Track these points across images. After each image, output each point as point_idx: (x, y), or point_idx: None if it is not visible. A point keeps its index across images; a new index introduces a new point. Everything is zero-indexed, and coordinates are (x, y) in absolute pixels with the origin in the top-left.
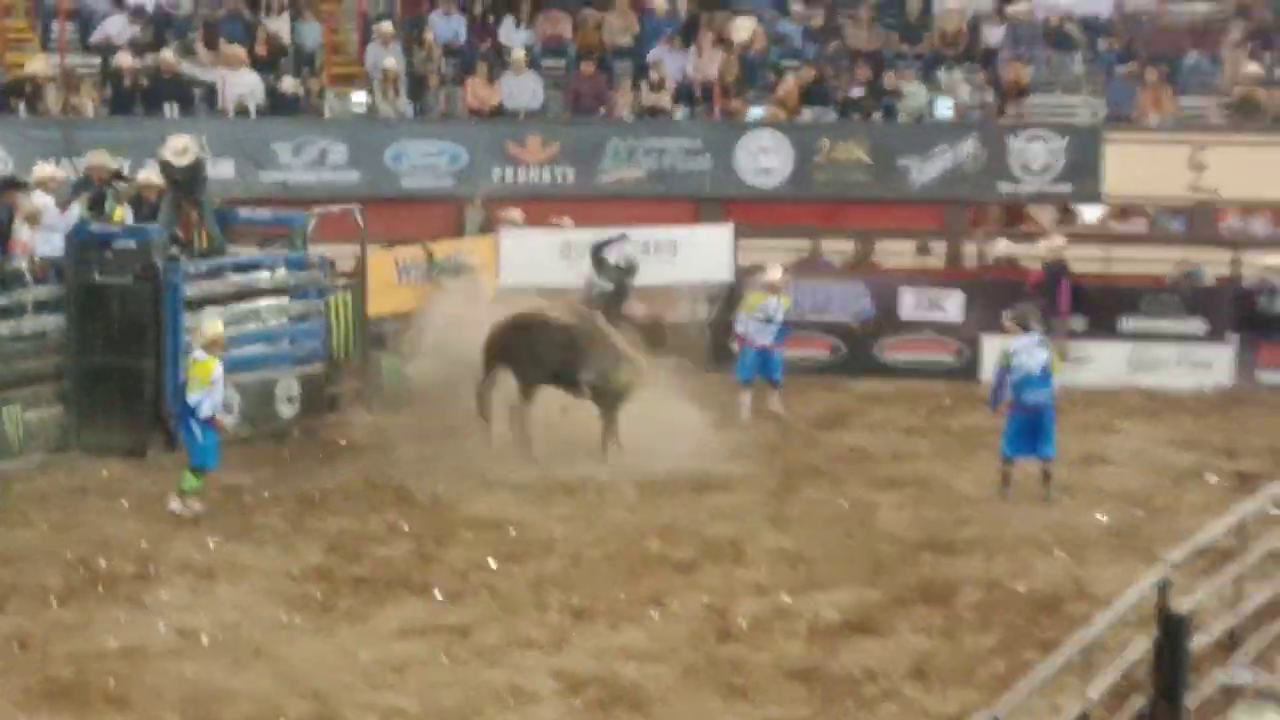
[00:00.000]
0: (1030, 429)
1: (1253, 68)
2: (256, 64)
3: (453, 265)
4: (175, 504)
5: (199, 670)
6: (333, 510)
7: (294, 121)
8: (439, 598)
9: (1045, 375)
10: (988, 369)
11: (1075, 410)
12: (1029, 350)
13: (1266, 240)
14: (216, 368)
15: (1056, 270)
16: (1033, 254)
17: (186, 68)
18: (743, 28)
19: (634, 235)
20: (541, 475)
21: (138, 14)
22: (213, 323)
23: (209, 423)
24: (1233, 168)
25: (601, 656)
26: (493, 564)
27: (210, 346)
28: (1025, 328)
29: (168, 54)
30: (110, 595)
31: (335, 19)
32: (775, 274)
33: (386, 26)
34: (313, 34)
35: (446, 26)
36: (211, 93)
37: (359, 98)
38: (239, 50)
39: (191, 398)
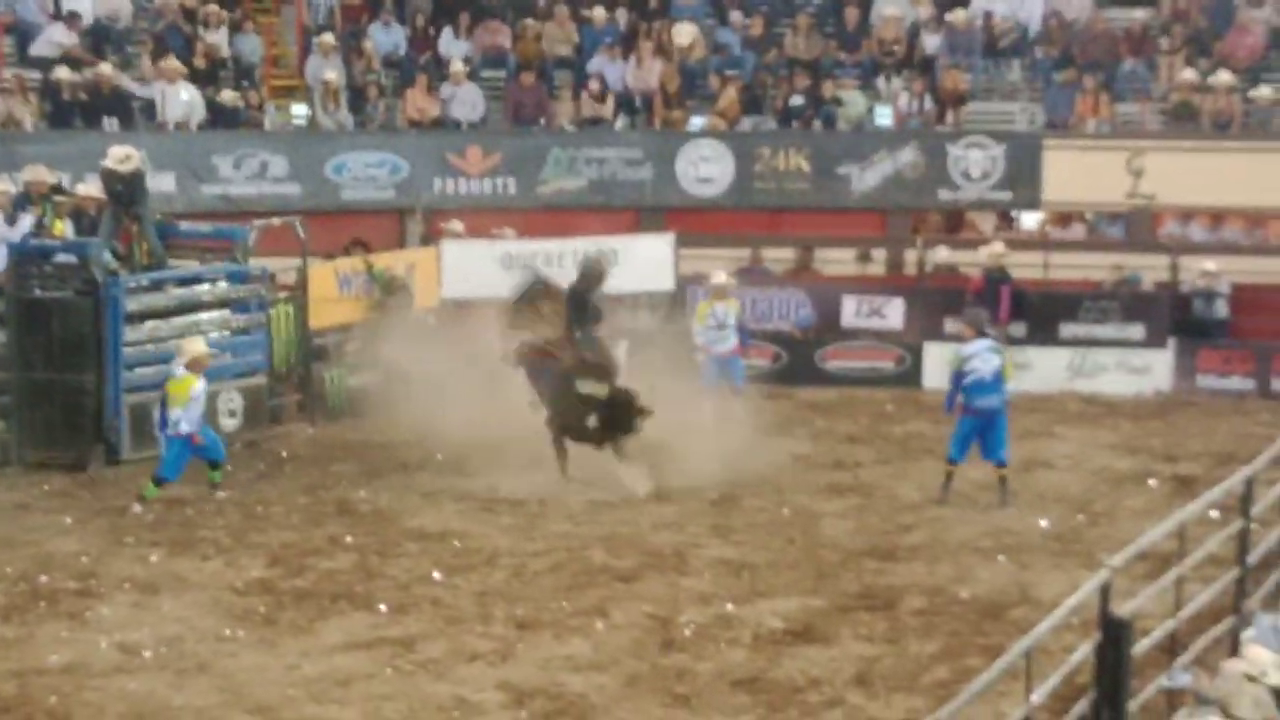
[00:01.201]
0: (981, 433)
1: (1188, 74)
2: (196, 77)
3: (390, 279)
4: (136, 507)
5: (141, 686)
6: (276, 523)
7: (234, 134)
8: (383, 610)
9: (998, 380)
10: (930, 376)
11: (1016, 416)
12: (982, 355)
13: (1204, 245)
14: (196, 385)
15: (997, 277)
16: (973, 261)
17: (126, 81)
18: (683, 33)
19: (574, 245)
20: (485, 487)
21: (75, 27)
22: (194, 342)
23: (187, 439)
24: (1170, 173)
25: (546, 667)
26: (437, 576)
27: (192, 365)
28: (979, 332)
29: (105, 67)
30: (52, 611)
31: (275, 31)
32: (719, 278)
33: (327, 39)
34: (252, 46)
35: (386, 38)
36: (151, 106)
37: (299, 110)
38: (177, 64)
39: (172, 414)
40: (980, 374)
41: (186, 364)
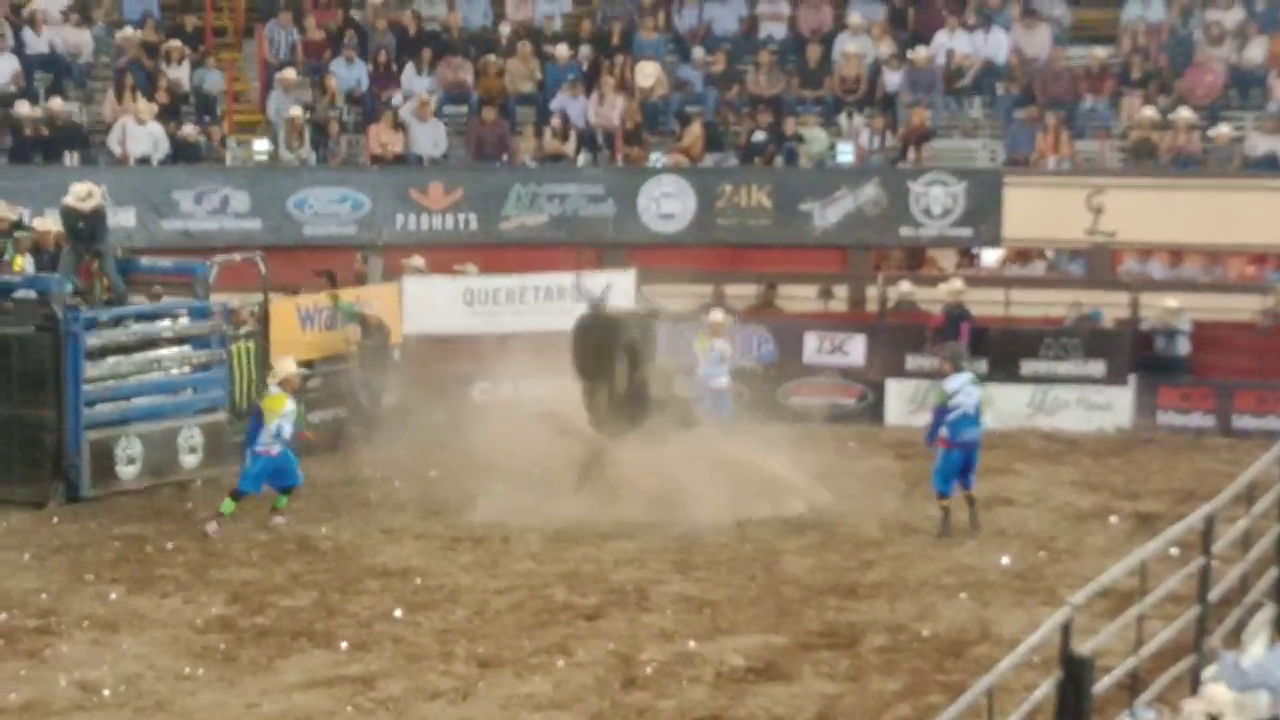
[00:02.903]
0: (962, 466)
1: (1148, 111)
2: (158, 112)
3: (356, 311)
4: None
5: None
6: (236, 560)
7: (196, 169)
8: (344, 648)
9: (978, 413)
10: (892, 412)
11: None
12: (965, 389)
13: (1163, 282)
14: (288, 402)
15: (957, 313)
16: (934, 297)
17: (87, 116)
18: (646, 74)
19: (536, 281)
20: (446, 524)
21: (38, 62)
22: (285, 363)
23: (276, 456)
24: (1130, 210)
25: (508, 706)
26: (398, 614)
27: (284, 384)
28: (957, 367)
29: (57, 102)
30: (10, 649)
31: (237, 67)
32: (717, 316)
33: (289, 74)
34: (214, 82)
35: (349, 74)
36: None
37: (261, 145)
38: (146, 104)
39: (269, 429)
40: (964, 408)
41: (279, 382)
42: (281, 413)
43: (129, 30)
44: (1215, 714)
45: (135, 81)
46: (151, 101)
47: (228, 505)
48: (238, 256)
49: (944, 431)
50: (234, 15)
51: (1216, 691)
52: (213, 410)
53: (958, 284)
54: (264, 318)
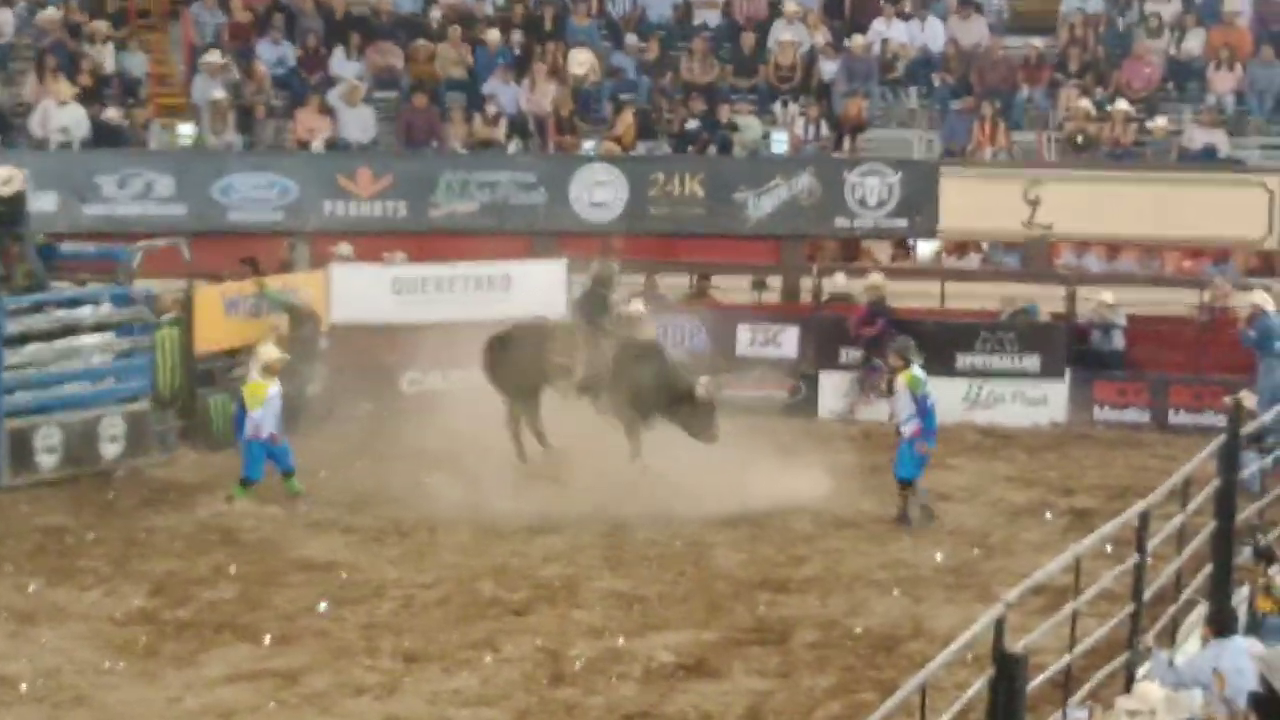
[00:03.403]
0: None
1: (1085, 103)
2: (81, 94)
3: (284, 299)
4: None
5: (18, 719)
6: (159, 552)
7: (119, 153)
8: (267, 642)
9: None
10: (825, 404)
11: None
12: (928, 381)
13: (1100, 276)
14: (271, 388)
15: (877, 308)
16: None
17: (7, 98)
18: (579, 60)
19: (466, 270)
20: (373, 516)
21: None
22: (268, 348)
23: (267, 440)
24: (1067, 203)
25: (434, 701)
26: (323, 608)
27: (265, 371)
28: (908, 361)
29: None
30: None
31: (161, 49)
32: (635, 307)
33: (214, 57)
34: (138, 64)
35: (273, 54)
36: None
37: (186, 129)
38: (66, 85)
39: (251, 416)
40: (933, 398)
41: (261, 368)
42: (264, 399)
43: (51, 10)
44: (1146, 712)
45: (57, 63)
46: (74, 83)
47: (238, 492)
48: (162, 242)
49: (919, 423)
50: None
51: (1148, 689)
52: (135, 399)
53: (877, 278)
54: (188, 305)
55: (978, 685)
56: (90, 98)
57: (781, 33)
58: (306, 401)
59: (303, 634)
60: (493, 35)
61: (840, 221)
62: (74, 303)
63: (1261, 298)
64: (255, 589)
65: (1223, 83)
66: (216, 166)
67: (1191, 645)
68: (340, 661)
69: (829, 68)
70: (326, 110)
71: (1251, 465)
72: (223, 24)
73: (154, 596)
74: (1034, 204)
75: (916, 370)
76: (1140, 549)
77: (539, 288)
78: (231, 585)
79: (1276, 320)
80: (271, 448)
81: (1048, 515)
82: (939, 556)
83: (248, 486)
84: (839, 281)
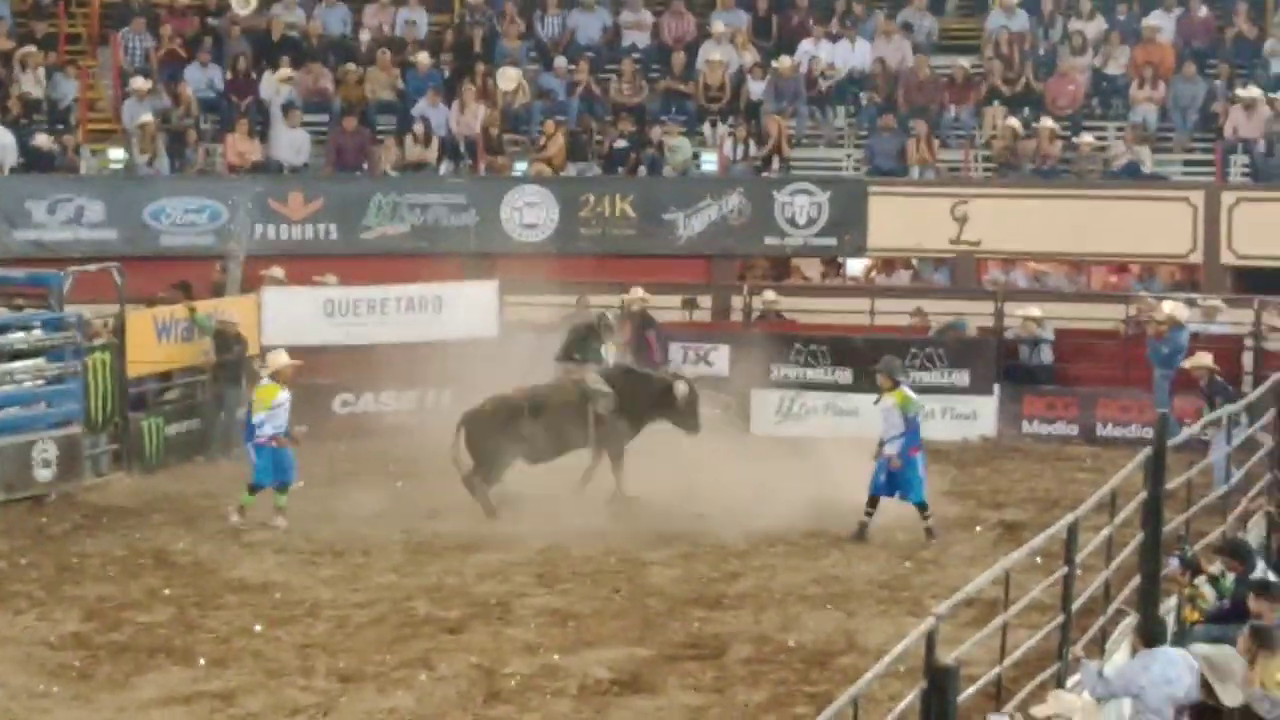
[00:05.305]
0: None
1: (1012, 121)
2: (9, 120)
3: (210, 324)
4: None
5: None
6: (92, 576)
7: (49, 178)
8: (202, 664)
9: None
10: (757, 422)
11: (845, 462)
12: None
13: (1028, 291)
14: (280, 394)
15: (640, 322)
16: (801, 307)
17: None
18: (508, 77)
19: (398, 292)
20: (306, 537)
21: None
22: (278, 354)
23: (272, 442)
24: (994, 220)
25: None
26: (257, 629)
27: (276, 375)
28: (895, 381)
29: None
30: None
31: (91, 74)
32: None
33: (141, 82)
34: (68, 89)
35: (201, 77)
36: None
37: (116, 154)
38: None
39: (256, 418)
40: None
41: (271, 373)
42: (272, 404)
43: None
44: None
45: None
46: (3, 109)
47: (246, 499)
48: (93, 267)
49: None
50: (88, 22)
51: (1063, 697)
52: (67, 423)
53: (639, 291)
54: (120, 329)
55: (910, 697)
56: (20, 123)
57: (710, 53)
58: (235, 423)
59: (238, 655)
60: (422, 58)
61: (770, 240)
62: (4, 328)
63: (1175, 309)
64: (189, 611)
65: (1146, 100)
66: (147, 191)
67: (1120, 655)
68: (275, 682)
69: (757, 88)
70: (254, 133)
71: (1219, 452)
72: (151, 49)
73: (88, 620)
74: (962, 221)
75: (908, 390)
76: (1069, 560)
77: (470, 309)
78: (165, 608)
79: (1186, 335)
80: (277, 453)
81: (978, 529)
82: (870, 571)
83: (255, 492)
84: (769, 299)
